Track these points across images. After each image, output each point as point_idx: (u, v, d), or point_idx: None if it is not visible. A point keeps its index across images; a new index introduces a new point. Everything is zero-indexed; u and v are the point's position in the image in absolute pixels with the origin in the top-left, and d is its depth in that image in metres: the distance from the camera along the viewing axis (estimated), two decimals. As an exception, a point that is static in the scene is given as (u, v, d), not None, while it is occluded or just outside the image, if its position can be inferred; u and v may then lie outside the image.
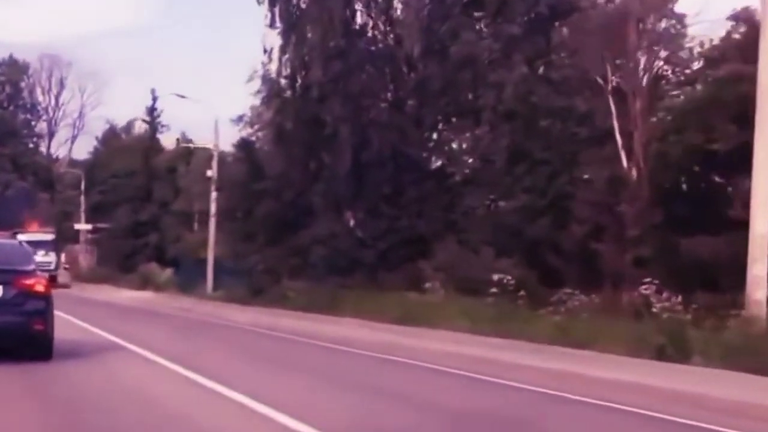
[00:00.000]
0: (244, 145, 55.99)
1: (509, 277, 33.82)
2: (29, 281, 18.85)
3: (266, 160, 52.90)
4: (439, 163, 48.11)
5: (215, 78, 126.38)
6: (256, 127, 59.12)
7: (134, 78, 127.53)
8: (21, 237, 70.96)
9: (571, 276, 37.30)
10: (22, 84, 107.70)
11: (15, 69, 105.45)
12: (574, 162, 41.03)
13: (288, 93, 48.79)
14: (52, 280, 66.03)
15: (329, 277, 46.23)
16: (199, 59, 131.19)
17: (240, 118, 60.65)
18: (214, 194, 62.43)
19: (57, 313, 20.30)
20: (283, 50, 49.27)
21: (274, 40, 49.31)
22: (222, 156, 62.85)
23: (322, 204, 46.53)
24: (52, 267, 70.40)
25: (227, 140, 63.14)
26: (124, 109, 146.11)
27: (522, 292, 32.96)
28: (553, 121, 43.03)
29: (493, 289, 33.32)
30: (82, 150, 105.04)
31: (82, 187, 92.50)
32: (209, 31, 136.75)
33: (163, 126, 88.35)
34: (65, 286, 71.07)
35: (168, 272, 72.69)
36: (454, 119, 49.16)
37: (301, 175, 48.22)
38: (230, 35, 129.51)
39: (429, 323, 32.64)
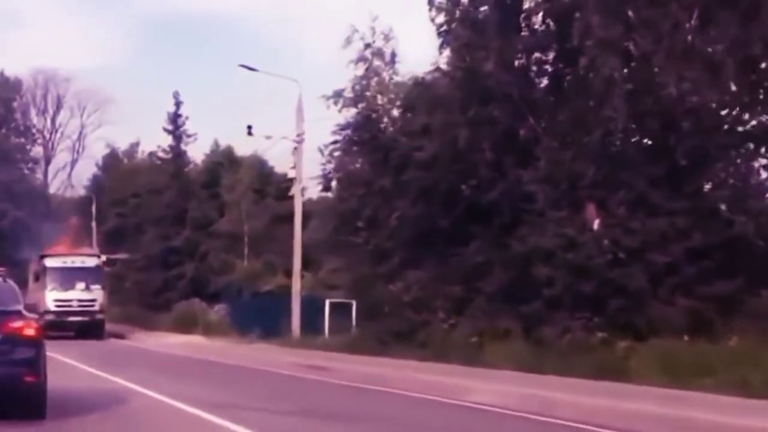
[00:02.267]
0: (365, 123, 36.24)
1: None
2: (17, 324, 15.66)
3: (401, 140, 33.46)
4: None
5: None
6: (379, 99, 39.28)
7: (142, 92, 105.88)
8: (50, 262, 50.41)
9: None
10: (14, 104, 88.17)
11: (6, 87, 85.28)
12: None
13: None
14: (95, 327, 45.30)
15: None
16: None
17: (339, 94, 40.53)
18: (299, 202, 42.80)
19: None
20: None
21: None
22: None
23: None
24: (96, 307, 51.32)
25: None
26: (132, 128, 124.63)
27: None
28: None
29: None
30: (81, 176, 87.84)
31: (93, 210, 72.39)
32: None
33: (188, 136, 67.64)
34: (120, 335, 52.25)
35: (219, 310, 52.77)
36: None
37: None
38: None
39: None
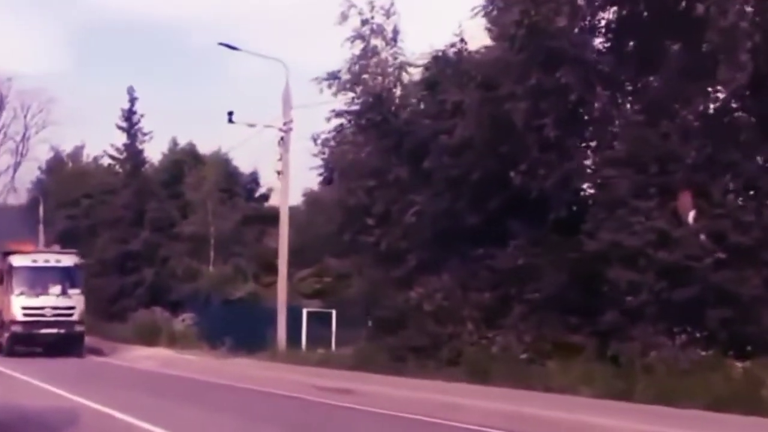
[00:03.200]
0: (374, 105, 30.55)
1: None
2: None
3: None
4: None
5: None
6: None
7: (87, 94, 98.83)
8: (17, 261, 39.58)
9: None
10: (-50, 104, 79.97)
11: (-60, 86, 78.11)
12: None
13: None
14: (72, 342, 40.50)
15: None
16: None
17: (334, 76, 34.60)
18: (286, 198, 37.19)
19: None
20: None
21: None
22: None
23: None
24: (75, 317, 41.73)
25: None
26: (78, 131, 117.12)
27: None
28: None
29: None
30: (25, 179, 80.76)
31: (40, 212, 65.83)
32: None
33: (144, 134, 60.97)
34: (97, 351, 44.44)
35: (185, 319, 46.66)
36: None
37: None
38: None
39: None
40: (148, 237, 56.47)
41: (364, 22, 36.30)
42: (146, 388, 25.86)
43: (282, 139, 39.10)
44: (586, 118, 23.81)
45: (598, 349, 22.98)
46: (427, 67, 30.98)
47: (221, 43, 40.31)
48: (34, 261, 41.88)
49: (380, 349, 29.95)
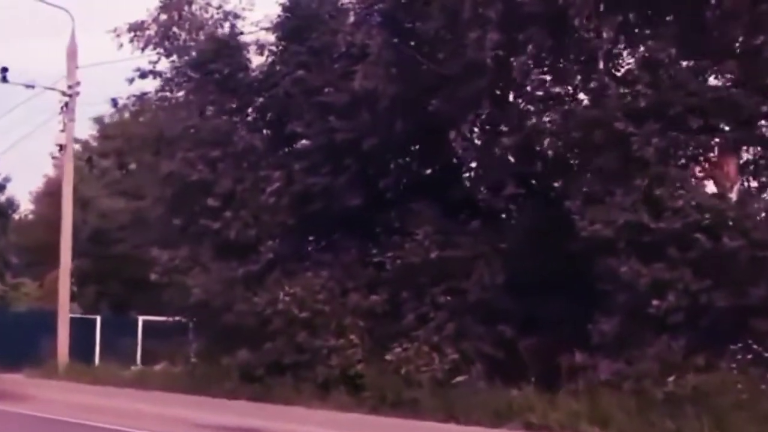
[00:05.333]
0: (218, 53, 22.85)
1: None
2: None
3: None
4: None
5: None
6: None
7: None
8: None
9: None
10: None
11: None
12: None
13: None
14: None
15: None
16: None
17: (138, 27, 26.49)
18: (70, 176, 28.68)
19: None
20: None
21: None
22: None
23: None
24: None
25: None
26: None
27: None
28: None
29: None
30: None
31: None
32: None
33: None
34: None
35: None
36: None
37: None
38: None
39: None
40: None
41: None
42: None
43: (66, 105, 30.21)
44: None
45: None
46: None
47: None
48: None
49: (225, 367, 21.86)
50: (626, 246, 15.79)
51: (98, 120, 41.43)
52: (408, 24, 20.83)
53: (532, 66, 16.76)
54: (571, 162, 17.64)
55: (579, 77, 17.01)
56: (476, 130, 19.61)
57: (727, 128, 15.17)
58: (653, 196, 15.53)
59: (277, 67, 23.35)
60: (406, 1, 20.94)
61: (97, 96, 41.63)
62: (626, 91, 15.97)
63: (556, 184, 19.12)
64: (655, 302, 15.30)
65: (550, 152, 19.00)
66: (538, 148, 18.26)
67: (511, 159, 19.15)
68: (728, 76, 15.23)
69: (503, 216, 20.19)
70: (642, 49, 16.02)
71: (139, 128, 34.09)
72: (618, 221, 15.62)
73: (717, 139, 15.37)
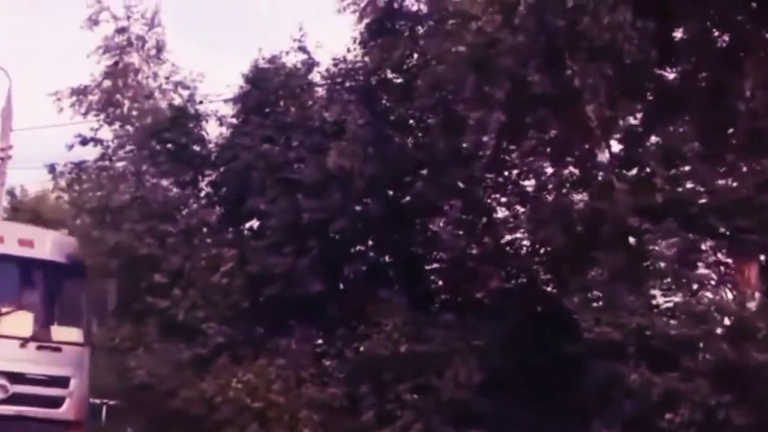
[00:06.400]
0: (177, 122, 21.15)
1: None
2: None
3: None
4: None
5: None
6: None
7: None
8: None
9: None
10: None
11: None
12: None
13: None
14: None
15: None
16: None
17: (80, 92, 25.39)
18: None
19: None
20: None
21: None
22: None
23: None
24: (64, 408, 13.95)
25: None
26: None
27: None
28: None
29: None
30: None
31: None
32: None
33: None
34: None
35: None
36: None
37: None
38: None
39: None
40: None
41: (120, 31, 27.63)
42: None
43: (-5, 168, 28.14)
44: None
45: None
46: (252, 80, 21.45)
47: None
48: None
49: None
50: (636, 351, 14.24)
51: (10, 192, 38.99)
52: (387, 102, 19.44)
53: (537, 150, 15.32)
54: (570, 257, 16.13)
55: (588, 164, 15.60)
56: (462, 216, 18.04)
57: (750, 232, 13.80)
58: (668, 299, 14.09)
59: (237, 140, 21.59)
60: (384, 79, 19.62)
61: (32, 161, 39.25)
62: (640, 183, 14.59)
63: (544, 277, 17.61)
64: (668, 415, 13.72)
65: (537, 246, 17.57)
66: (530, 240, 16.77)
67: (496, 248, 17.63)
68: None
69: (482, 310, 18.53)
70: (660, 140, 14.65)
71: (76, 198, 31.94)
72: (630, 324, 14.08)
73: (738, 243, 14.00)
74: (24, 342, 13.25)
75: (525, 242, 18.57)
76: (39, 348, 13.40)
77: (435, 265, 19.85)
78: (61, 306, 14.16)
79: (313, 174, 19.26)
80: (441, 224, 17.96)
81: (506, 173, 18.31)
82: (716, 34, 14.21)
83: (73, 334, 13.85)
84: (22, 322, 13.39)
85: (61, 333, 13.77)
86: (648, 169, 14.51)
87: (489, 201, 18.88)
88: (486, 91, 15.04)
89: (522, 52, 14.13)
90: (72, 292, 14.20)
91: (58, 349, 13.56)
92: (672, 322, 14.33)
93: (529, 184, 18.21)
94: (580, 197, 16.92)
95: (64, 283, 14.20)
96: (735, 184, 13.66)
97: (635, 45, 13.85)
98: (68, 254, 14.33)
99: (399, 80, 19.51)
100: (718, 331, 13.67)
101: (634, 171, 14.97)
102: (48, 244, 14.19)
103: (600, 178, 15.38)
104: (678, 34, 14.73)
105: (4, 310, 13.22)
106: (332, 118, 19.51)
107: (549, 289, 17.30)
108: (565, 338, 15.23)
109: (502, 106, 14.91)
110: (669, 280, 14.22)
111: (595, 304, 14.95)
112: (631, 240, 14.48)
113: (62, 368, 13.53)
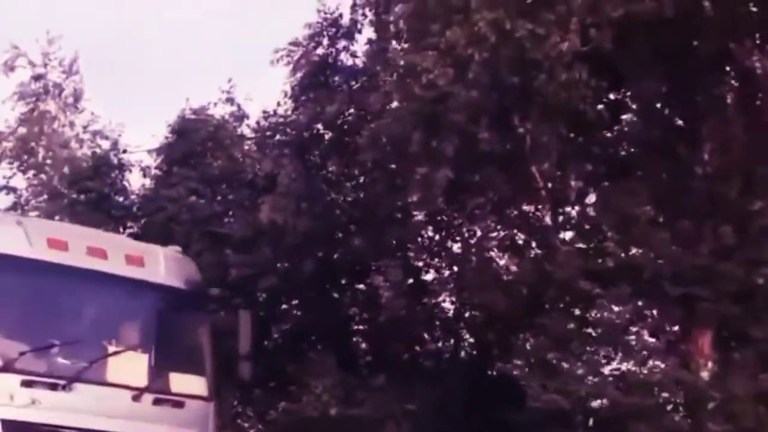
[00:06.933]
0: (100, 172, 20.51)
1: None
2: None
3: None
4: None
5: None
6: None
7: None
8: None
9: None
10: None
11: None
12: None
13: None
14: None
15: None
16: None
17: None
18: None
19: None
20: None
21: None
22: None
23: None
24: None
25: None
26: None
27: None
28: None
29: None
30: None
31: None
32: None
33: None
34: None
35: None
36: None
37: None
38: None
39: None
40: None
41: (37, 78, 26.09)
42: None
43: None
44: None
45: None
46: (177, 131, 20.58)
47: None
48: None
49: None
50: (583, 419, 13.61)
51: None
52: (320, 159, 18.74)
53: (485, 210, 14.74)
54: (513, 321, 15.51)
55: (537, 225, 15.06)
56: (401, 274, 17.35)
57: (706, 300, 13.31)
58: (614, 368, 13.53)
59: (161, 192, 20.63)
60: (317, 134, 18.93)
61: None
62: (590, 246, 14.07)
63: (484, 341, 16.95)
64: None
65: (470, 309, 16.93)
66: (475, 301, 16.13)
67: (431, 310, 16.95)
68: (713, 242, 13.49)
69: (416, 373, 17.78)
70: (612, 203, 14.17)
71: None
72: (579, 392, 13.45)
73: (693, 311, 13.50)
74: (138, 394, 10.27)
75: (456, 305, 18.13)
76: (156, 402, 10.40)
77: (363, 327, 19.09)
78: (180, 346, 11.01)
79: (242, 228, 18.44)
80: (379, 284, 17.20)
81: (442, 233, 17.77)
82: (671, 96, 13.84)
83: (197, 384, 10.82)
84: (135, 367, 10.41)
85: (182, 382, 10.67)
86: (599, 234, 14.05)
87: (423, 261, 18.31)
88: (434, 147, 14.42)
89: (474, 107, 13.56)
90: (193, 327, 11.18)
91: (180, 405, 10.56)
92: (620, 391, 13.74)
93: (457, 246, 17.84)
94: (513, 261, 16.47)
95: (183, 315, 11.09)
96: (690, 251, 13.19)
97: (590, 104, 13.44)
98: (187, 277, 11.30)
99: (332, 135, 18.89)
100: (672, 401, 13.13)
101: (583, 234, 14.50)
102: (162, 264, 11.11)
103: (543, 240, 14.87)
104: (629, 94, 14.38)
105: (111, 349, 10.26)
106: (263, 171, 18.73)
107: (494, 352, 16.66)
108: (508, 404, 14.55)
109: (449, 162, 14.30)
110: (616, 347, 13.67)
111: (539, 371, 14.28)
112: (577, 307, 13.94)
113: (186, 430, 10.62)
